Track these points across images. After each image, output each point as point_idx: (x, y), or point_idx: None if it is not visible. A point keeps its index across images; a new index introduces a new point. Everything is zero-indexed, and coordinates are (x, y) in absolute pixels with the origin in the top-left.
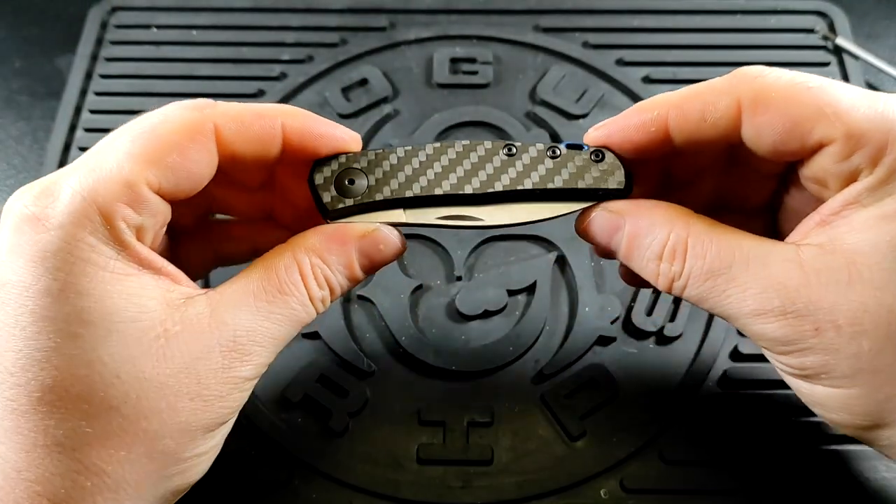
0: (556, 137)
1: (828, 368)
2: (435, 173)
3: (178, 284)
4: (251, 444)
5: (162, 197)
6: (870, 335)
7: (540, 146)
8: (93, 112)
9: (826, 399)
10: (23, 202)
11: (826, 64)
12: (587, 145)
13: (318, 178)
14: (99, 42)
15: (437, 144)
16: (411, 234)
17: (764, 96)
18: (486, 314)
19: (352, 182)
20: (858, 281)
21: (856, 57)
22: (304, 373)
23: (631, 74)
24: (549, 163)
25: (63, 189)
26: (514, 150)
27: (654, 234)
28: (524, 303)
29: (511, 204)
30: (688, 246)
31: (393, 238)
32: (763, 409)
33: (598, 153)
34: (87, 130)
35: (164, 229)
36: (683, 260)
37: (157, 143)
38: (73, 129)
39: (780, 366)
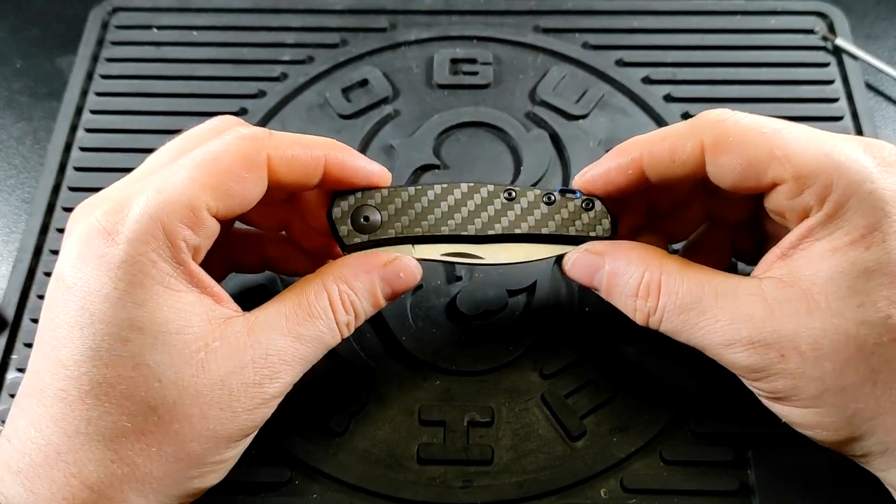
0: (556, 138)
1: (796, 391)
2: (441, 212)
3: (221, 304)
4: (251, 444)
5: (217, 218)
6: (830, 358)
7: (537, 192)
8: (94, 112)
9: (800, 418)
10: (94, 216)
11: (825, 64)
12: (579, 191)
13: (337, 213)
14: (100, 42)
15: (445, 185)
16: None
17: (723, 140)
18: (487, 314)
19: (366, 219)
20: (816, 309)
21: (855, 57)
22: (305, 373)
23: (631, 75)
24: (543, 208)
25: (133, 207)
26: (513, 194)
27: (631, 274)
28: (524, 303)
29: (508, 244)
30: (661, 283)
31: (412, 267)
32: (763, 408)
33: (589, 202)
34: (88, 131)
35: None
36: (658, 296)
37: (218, 172)
38: (73, 129)
39: (755, 391)
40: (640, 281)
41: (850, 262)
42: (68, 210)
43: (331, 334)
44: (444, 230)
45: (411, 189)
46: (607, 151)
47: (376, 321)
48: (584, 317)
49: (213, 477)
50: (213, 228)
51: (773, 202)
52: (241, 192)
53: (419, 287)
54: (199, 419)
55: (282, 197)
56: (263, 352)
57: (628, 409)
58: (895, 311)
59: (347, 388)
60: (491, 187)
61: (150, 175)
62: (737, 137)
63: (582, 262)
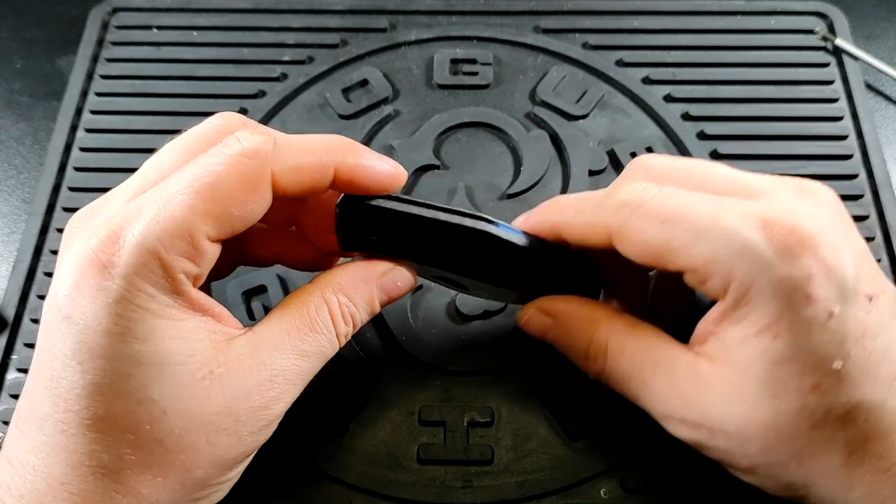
0: (556, 138)
1: (729, 463)
2: (440, 244)
3: (223, 324)
4: None
5: (218, 242)
6: (754, 442)
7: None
8: (94, 113)
9: (743, 478)
10: (90, 244)
11: (825, 65)
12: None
13: (342, 217)
14: (100, 43)
15: (451, 216)
16: None
17: (624, 230)
18: (486, 314)
19: (369, 228)
20: (738, 396)
21: (855, 58)
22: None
23: (631, 75)
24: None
25: (128, 238)
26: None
27: (579, 337)
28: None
29: (491, 285)
30: (607, 349)
31: (408, 276)
32: None
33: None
34: (88, 131)
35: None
36: (604, 361)
37: (218, 199)
38: (73, 129)
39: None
40: (589, 344)
41: (760, 353)
42: (68, 210)
43: (331, 347)
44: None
45: (416, 209)
46: (607, 153)
47: (376, 321)
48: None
49: (218, 496)
50: (214, 254)
51: (687, 281)
52: (242, 216)
53: (419, 287)
54: (206, 447)
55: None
56: (269, 374)
57: (628, 408)
58: (809, 400)
59: (347, 388)
60: (495, 231)
61: (148, 189)
62: (637, 226)
63: (534, 321)
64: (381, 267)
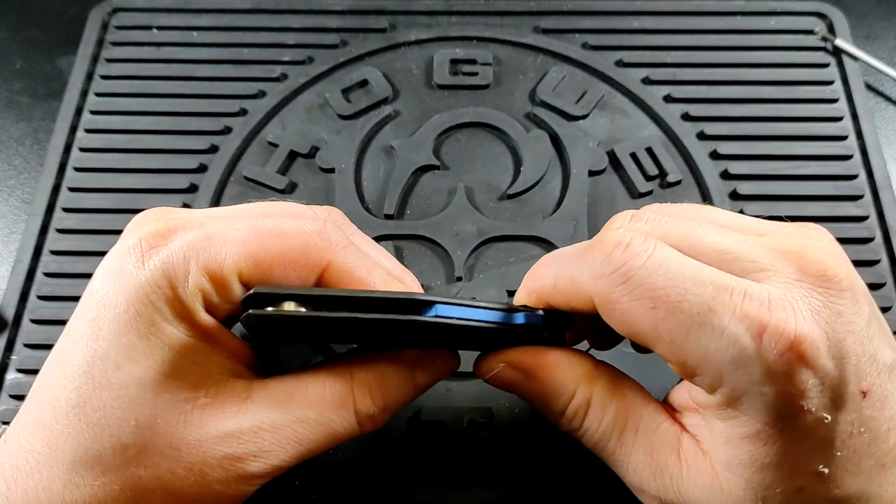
0: (556, 139)
1: None
2: None
3: (232, 360)
4: None
5: (246, 285)
6: None
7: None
8: (94, 113)
9: None
10: (144, 231)
11: (825, 65)
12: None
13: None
14: (100, 43)
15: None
16: (411, 235)
17: (608, 305)
18: None
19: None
20: (718, 490)
21: (855, 58)
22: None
23: (631, 76)
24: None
25: (177, 240)
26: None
27: (558, 394)
28: None
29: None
30: (588, 409)
31: (448, 356)
32: None
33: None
34: (88, 131)
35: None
36: (583, 419)
37: (273, 253)
38: (73, 129)
39: None
40: (568, 402)
41: (748, 456)
42: (68, 210)
43: (344, 425)
44: None
45: (334, 312)
46: (607, 153)
47: None
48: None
49: None
50: (239, 293)
51: (672, 367)
52: (280, 279)
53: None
54: (167, 473)
55: None
56: (255, 423)
57: None
58: (792, 500)
59: None
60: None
61: (226, 216)
62: (622, 306)
63: (503, 377)
64: (412, 352)
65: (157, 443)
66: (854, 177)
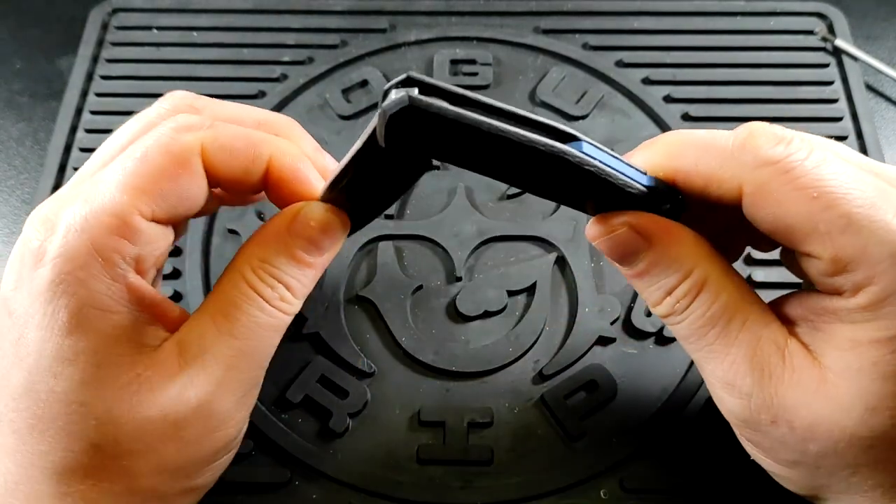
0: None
1: (773, 452)
2: None
3: (160, 324)
4: (251, 445)
5: (159, 223)
6: (818, 443)
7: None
8: (94, 113)
9: (769, 467)
10: (28, 233)
11: (825, 65)
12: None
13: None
14: (100, 43)
15: None
16: (411, 236)
17: (764, 193)
18: (486, 315)
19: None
20: (824, 395)
21: (855, 58)
22: (305, 373)
23: (631, 76)
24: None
25: (60, 222)
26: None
27: (674, 270)
28: (524, 303)
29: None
30: (703, 288)
31: (319, 211)
32: None
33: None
34: (88, 131)
35: (169, 251)
36: (691, 300)
37: (147, 173)
38: (73, 130)
39: (734, 428)
40: (682, 282)
41: (871, 363)
42: None
43: (268, 316)
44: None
45: (486, 120)
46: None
47: (376, 322)
48: (583, 317)
49: (188, 500)
50: (156, 234)
51: (805, 266)
52: (177, 192)
53: (419, 287)
54: (147, 453)
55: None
56: (199, 368)
57: (628, 409)
58: None
59: (347, 388)
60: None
61: (87, 180)
62: (781, 195)
63: (624, 241)
64: (286, 213)
65: (123, 432)
66: None
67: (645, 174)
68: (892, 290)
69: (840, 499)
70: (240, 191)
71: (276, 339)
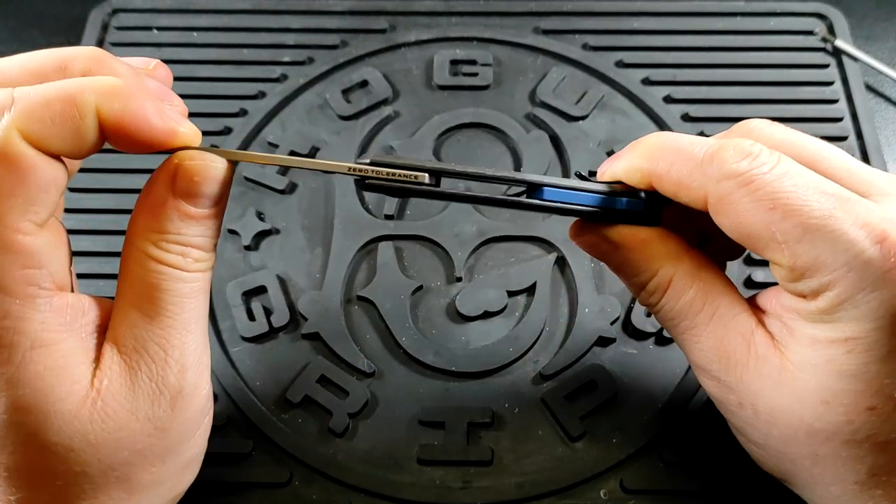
0: (556, 139)
1: (745, 432)
2: None
3: (91, 327)
4: (251, 445)
5: (44, 228)
6: (779, 428)
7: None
8: None
9: (744, 444)
10: None
11: (825, 66)
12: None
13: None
14: (100, 44)
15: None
16: (411, 236)
17: (725, 204)
18: (486, 315)
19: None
20: (785, 385)
21: (855, 59)
22: (305, 373)
23: (631, 76)
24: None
25: None
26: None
27: (642, 269)
28: (524, 304)
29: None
30: (669, 287)
31: (197, 162)
32: None
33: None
34: None
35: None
36: (661, 297)
37: None
38: None
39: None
40: (650, 279)
41: (826, 360)
42: (69, 211)
43: (189, 283)
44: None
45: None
46: (608, 153)
47: (376, 322)
48: (583, 318)
49: (187, 480)
50: (49, 224)
51: (772, 269)
52: (34, 188)
53: (419, 287)
54: (133, 455)
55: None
56: (145, 363)
57: (628, 409)
58: (858, 418)
59: (347, 388)
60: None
61: None
62: (741, 206)
63: (593, 245)
64: (163, 173)
65: (104, 450)
66: None
67: (606, 194)
68: (847, 296)
69: (806, 488)
70: (82, 156)
71: (207, 296)
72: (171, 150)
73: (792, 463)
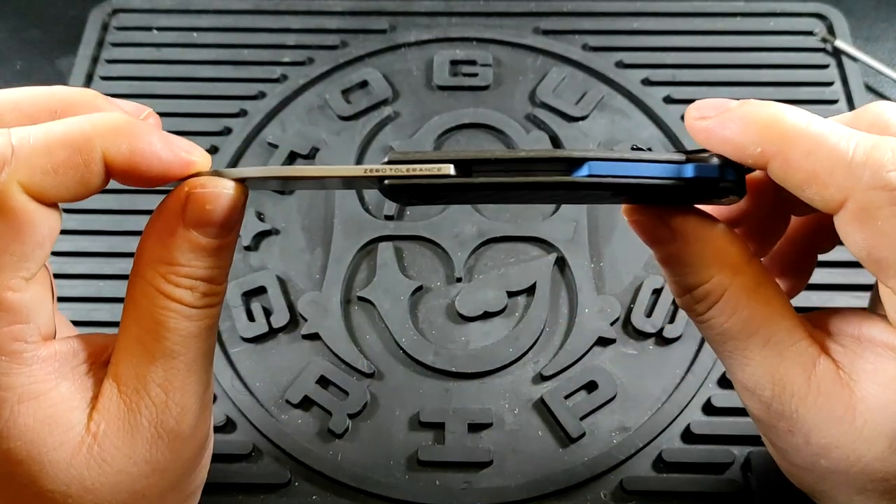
0: (556, 140)
1: (785, 454)
2: None
3: (89, 365)
4: (251, 445)
5: (34, 281)
6: (830, 460)
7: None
8: None
9: (778, 461)
10: None
11: (825, 66)
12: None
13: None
14: (100, 44)
15: None
16: (411, 236)
17: (868, 217)
18: (486, 315)
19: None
20: (849, 423)
21: (854, 59)
22: (305, 374)
23: (630, 76)
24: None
25: None
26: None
27: (696, 270)
28: (524, 304)
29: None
30: (722, 298)
31: (209, 190)
32: None
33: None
34: None
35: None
36: (708, 307)
37: None
38: None
39: (753, 420)
40: (702, 284)
41: None
42: (68, 211)
43: (198, 320)
44: None
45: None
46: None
47: (376, 322)
48: (583, 318)
49: (200, 479)
50: (37, 278)
51: (882, 295)
52: (29, 245)
53: (419, 288)
54: (139, 484)
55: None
56: (146, 403)
57: (628, 409)
58: None
59: (347, 389)
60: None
61: None
62: (888, 227)
63: (650, 229)
64: (173, 202)
65: (103, 492)
66: None
67: (685, 163)
68: None
69: None
70: (86, 196)
71: (215, 332)
72: (182, 178)
73: (832, 488)
